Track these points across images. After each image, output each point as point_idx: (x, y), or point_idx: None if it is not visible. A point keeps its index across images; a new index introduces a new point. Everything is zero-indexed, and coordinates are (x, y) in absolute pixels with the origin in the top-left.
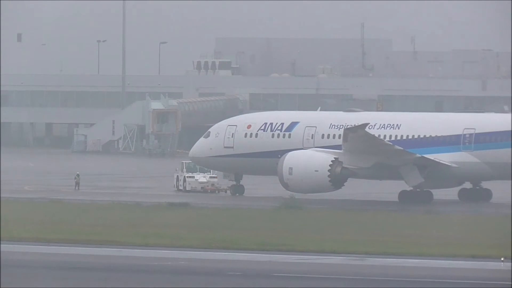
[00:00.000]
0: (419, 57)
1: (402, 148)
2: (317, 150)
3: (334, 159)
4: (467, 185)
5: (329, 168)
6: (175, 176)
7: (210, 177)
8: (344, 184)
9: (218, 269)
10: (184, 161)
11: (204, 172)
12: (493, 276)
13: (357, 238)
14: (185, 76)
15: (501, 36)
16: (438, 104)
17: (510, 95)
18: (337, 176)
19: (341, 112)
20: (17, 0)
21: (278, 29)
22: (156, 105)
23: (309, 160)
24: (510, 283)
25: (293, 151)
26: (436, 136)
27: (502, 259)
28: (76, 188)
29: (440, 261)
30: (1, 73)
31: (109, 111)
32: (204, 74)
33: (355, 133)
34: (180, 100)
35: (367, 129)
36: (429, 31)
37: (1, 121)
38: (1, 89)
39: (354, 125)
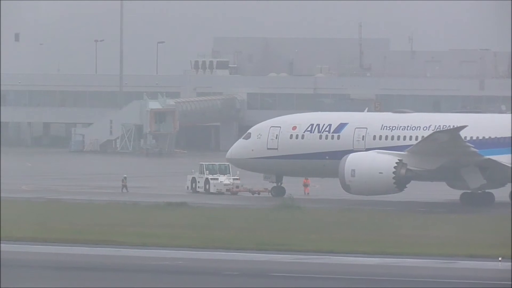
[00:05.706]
0: (417, 57)
1: (476, 150)
2: (379, 152)
3: (398, 161)
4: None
5: (394, 170)
6: (189, 178)
7: (234, 179)
8: (407, 186)
9: (216, 269)
10: (203, 163)
11: (224, 174)
12: (492, 276)
13: (355, 237)
14: (182, 75)
15: (499, 35)
16: (436, 104)
17: (508, 94)
18: (402, 178)
19: (389, 113)
20: (15, 0)
21: (276, 28)
22: (154, 104)
23: (373, 162)
24: (510, 283)
25: (354, 153)
26: (495, 137)
27: (499, 258)
28: (124, 190)
29: (438, 260)
30: None
31: (107, 110)
32: (202, 74)
33: (448, 135)
34: (177, 99)
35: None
36: (427, 31)
37: None
38: None
39: (448, 127)
